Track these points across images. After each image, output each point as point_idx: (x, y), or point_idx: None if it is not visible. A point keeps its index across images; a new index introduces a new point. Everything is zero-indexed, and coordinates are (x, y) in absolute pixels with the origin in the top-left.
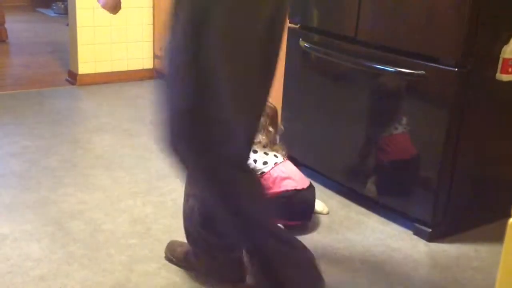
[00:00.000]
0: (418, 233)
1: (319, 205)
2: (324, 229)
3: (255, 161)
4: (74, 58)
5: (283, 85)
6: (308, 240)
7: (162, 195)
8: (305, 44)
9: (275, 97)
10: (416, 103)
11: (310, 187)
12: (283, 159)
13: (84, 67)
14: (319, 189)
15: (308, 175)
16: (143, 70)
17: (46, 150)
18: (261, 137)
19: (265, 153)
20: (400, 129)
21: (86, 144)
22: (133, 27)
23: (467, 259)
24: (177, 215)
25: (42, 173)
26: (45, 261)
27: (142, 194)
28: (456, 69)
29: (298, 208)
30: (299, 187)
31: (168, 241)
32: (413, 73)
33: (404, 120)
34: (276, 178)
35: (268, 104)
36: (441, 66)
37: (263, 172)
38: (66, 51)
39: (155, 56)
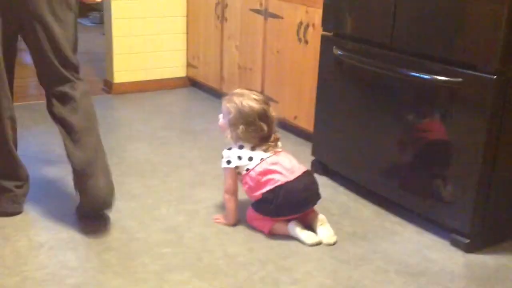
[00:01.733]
0: (455, 243)
1: (327, 234)
2: (358, 239)
3: (239, 157)
4: (110, 67)
5: (316, 93)
6: (342, 249)
7: (194, 203)
8: (339, 52)
9: (309, 104)
10: (453, 111)
11: (301, 177)
12: (273, 153)
13: (120, 76)
14: (353, 198)
15: (341, 183)
16: (176, 78)
17: None
18: (248, 136)
19: (252, 148)
20: (436, 137)
21: (121, 152)
22: (167, 36)
23: (506, 271)
24: (210, 224)
25: None
26: (80, 269)
27: (175, 203)
28: (495, 76)
29: (286, 203)
30: (282, 181)
31: (201, 249)
32: (450, 80)
33: (441, 129)
34: (260, 173)
35: (255, 101)
36: (479, 74)
37: (248, 169)
38: (102, 61)
39: (188, 65)
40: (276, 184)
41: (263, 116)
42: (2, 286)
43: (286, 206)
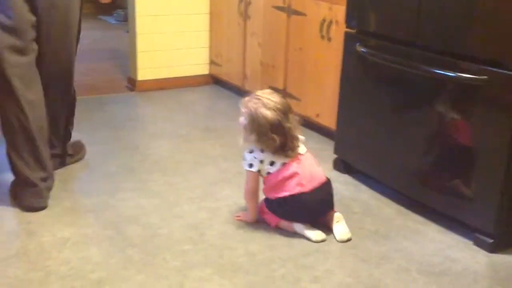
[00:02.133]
0: (478, 243)
1: (341, 231)
2: (380, 238)
3: (261, 161)
4: (134, 64)
5: (339, 90)
6: (364, 248)
7: (216, 200)
8: (362, 49)
9: (331, 102)
10: (479, 108)
11: (317, 189)
12: (296, 157)
13: (143, 74)
14: (375, 197)
15: (364, 181)
16: (199, 76)
17: (106, 155)
18: (260, 145)
19: (274, 152)
20: (460, 136)
21: (144, 149)
22: (190, 34)
23: None
24: (232, 221)
25: (102, 177)
26: (104, 265)
27: (197, 200)
28: None
29: (296, 213)
30: (298, 191)
31: (222, 247)
32: (476, 78)
33: (465, 127)
34: (279, 179)
35: (271, 110)
36: (504, 71)
37: (269, 173)
38: (126, 58)
39: (211, 62)
40: (290, 193)
41: (277, 127)
42: (26, 280)
43: (295, 215)
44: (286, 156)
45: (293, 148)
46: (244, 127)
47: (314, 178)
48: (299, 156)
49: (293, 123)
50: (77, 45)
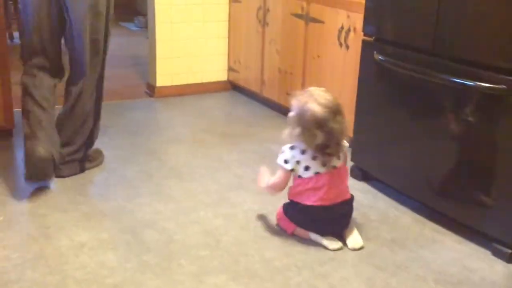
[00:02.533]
0: (496, 253)
1: (353, 240)
2: (397, 246)
3: (298, 162)
4: (153, 71)
5: (356, 97)
6: (380, 256)
7: (232, 206)
8: (380, 57)
9: (348, 109)
10: (497, 117)
11: (338, 206)
12: (331, 169)
13: (162, 80)
14: (392, 205)
15: (380, 189)
16: (217, 82)
17: (123, 160)
18: (302, 139)
19: (313, 157)
20: (478, 144)
21: (162, 155)
22: (209, 41)
23: None
24: (247, 227)
25: (119, 183)
26: (120, 269)
27: (213, 206)
28: None
29: (312, 223)
30: (319, 204)
31: (238, 253)
32: (494, 87)
33: (484, 136)
34: (308, 188)
35: (321, 107)
36: None
37: (300, 176)
38: (146, 64)
39: (229, 69)
40: (312, 204)
41: (322, 125)
42: (44, 284)
43: (310, 225)
44: (323, 163)
45: (334, 153)
46: (290, 120)
47: (339, 195)
48: (333, 170)
49: (340, 126)
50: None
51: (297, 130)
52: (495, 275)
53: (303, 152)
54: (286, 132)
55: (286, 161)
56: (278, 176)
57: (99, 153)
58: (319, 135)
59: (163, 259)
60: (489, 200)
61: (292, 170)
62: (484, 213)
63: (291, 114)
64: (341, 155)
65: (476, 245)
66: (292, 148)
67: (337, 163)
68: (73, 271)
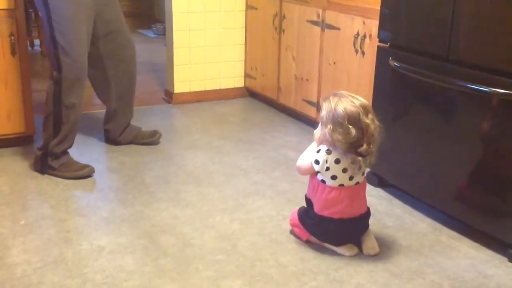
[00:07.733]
0: None
1: (368, 245)
2: (413, 253)
3: (327, 168)
4: (170, 77)
5: (372, 104)
6: (395, 262)
7: (248, 212)
8: (395, 63)
9: None
10: None
11: (354, 220)
12: (355, 183)
13: (180, 86)
14: (408, 211)
15: (396, 196)
16: (234, 88)
17: (142, 166)
18: (334, 137)
19: (344, 169)
20: (495, 151)
21: (179, 160)
22: (226, 48)
23: None
24: (263, 233)
25: (138, 188)
26: (138, 273)
27: (230, 211)
28: None
29: (326, 234)
30: (336, 216)
31: (254, 258)
32: (510, 93)
33: (499, 142)
34: (329, 197)
35: (352, 104)
36: None
37: (323, 181)
38: (163, 71)
39: (246, 75)
40: (329, 216)
41: (354, 120)
42: (64, 287)
43: (324, 236)
44: (352, 177)
45: (365, 154)
46: (322, 119)
47: (358, 209)
48: (355, 186)
49: (373, 124)
50: None
51: (329, 127)
52: (511, 282)
53: (337, 161)
54: (318, 130)
55: (317, 162)
56: (304, 164)
57: (155, 131)
58: (353, 130)
59: (180, 263)
60: (506, 206)
61: (318, 172)
62: (501, 219)
63: (323, 113)
64: (364, 167)
65: (493, 251)
66: (328, 152)
67: (360, 179)
68: (92, 274)
